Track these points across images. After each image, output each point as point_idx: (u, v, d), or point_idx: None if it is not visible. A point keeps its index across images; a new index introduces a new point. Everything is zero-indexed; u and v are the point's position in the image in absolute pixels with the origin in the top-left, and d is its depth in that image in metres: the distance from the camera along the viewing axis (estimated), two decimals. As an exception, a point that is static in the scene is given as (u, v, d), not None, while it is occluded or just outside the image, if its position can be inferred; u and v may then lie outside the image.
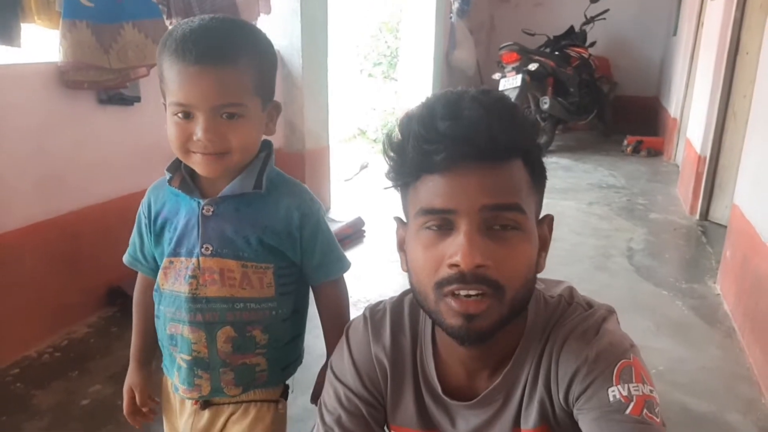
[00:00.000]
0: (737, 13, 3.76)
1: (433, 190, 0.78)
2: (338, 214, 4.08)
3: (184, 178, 1.05)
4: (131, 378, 1.21)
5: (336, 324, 1.10)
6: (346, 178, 5.11)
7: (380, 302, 1.01)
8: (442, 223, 0.78)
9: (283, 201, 1.06)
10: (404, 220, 0.89)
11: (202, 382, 1.09)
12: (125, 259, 1.18)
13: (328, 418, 0.95)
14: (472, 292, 0.77)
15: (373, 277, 3.14)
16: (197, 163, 0.98)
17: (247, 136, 0.99)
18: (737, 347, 2.52)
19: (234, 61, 0.94)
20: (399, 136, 0.82)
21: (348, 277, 1.17)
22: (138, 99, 2.74)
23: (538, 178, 0.83)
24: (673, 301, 3.00)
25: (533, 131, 0.83)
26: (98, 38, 2.40)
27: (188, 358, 1.08)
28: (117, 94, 2.63)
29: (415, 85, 6.41)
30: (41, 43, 2.46)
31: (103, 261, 2.64)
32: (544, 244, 0.85)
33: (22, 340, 2.36)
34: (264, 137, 1.07)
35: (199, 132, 0.94)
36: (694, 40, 5.52)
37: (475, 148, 0.74)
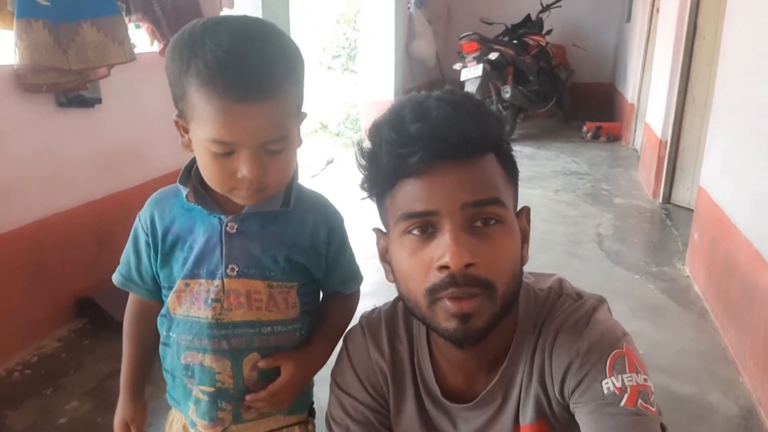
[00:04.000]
0: (693, 0, 3.85)
1: (411, 194, 0.77)
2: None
3: (197, 190, 0.95)
4: (126, 411, 1.09)
5: (334, 326, 1.05)
6: (312, 174, 5.04)
7: (374, 309, 1.00)
8: (425, 227, 0.77)
9: (310, 216, 0.99)
10: (383, 230, 0.88)
11: (225, 415, 1.01)
12: (116, 279, 1.06)
13: (336, 430, 0.94)
14: (464, 295, 0.76)
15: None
16: (240, 197, 0.90)
17: (290, 164, 0.92)
18: (711, 328, 2.59)
19: (279, 90, 0.83)
20: (370, 146, 0.81)
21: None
22: (99, 100, 2.63)
23: (510, 170, 0.83)
24: (645, 284, 3.07)
25: (501, 125, 0.84)
26: (56, 38, 2.29)
27: (210, 390, 0.99)
28: (77, 96, 2.51)
29: (376, 76, 6.37)
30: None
31: (70, 271, 2.54)
32: (525, 236, 0.85)
33: (-12, 358, 2.25)
34: None
35: (244, 170, 0.84)
36: (648, 26, 5.64)
37: (448, 146, 0.74)
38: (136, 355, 1.09)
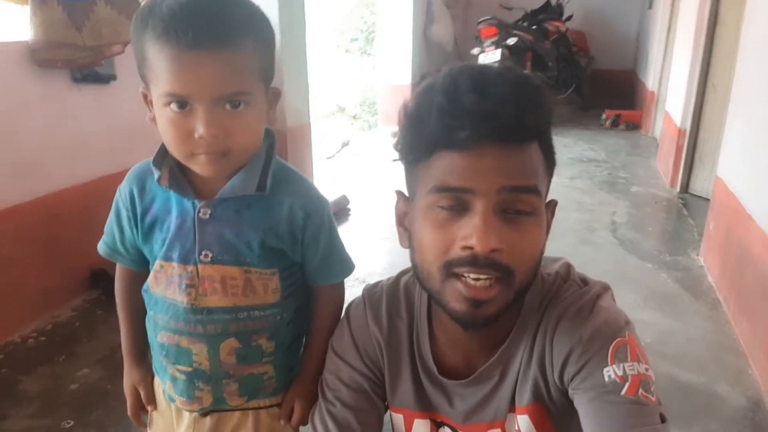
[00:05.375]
0: (716, -14, 3.77)
1: (449, 167, 0.74)
2: (322, 193, 4.03)
3: (173, 171, 0.91)
4: (132, 376, 1.10)
5: (325, 328, 1.03)
6: (328, 155, 5.05)
7: (377, 283, 0.99)
8: (456, 203, 0.75)
9: (287, 200, 0.95)
10: (406, 194, 0.85)
11: (203, 394, 1.00)
12: (101, 249, 1.03)
13: (329, 395, 0.94)
14: (482, 277, 0.74)
15: (360, 255, 3.09)
16: (200, 165, 0.85)
17: (255, 127, 0.88)
18: (723, 319, 2.56)
19: (237, 41, 0.79)
20: (415, 107, 0.77)
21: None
22: (113, 77, 2.66)
23: (550, 160, 0.80)
24: (658, 273, 3.04)
25: (551, 113, 0.79)
26: (70, 15, 2.31)
27: (188, 369, 0.98)
28: (92, 72, 2.55)
29: (393, 60, 6.33)
30: (11, 20, 2.36)
31: (84, 243, 2.53)
32: (547, 228, 0.83)
33: (4, 325, 2.30)
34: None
35: (200, 128, 0.80)
36: (670, 13, 5.54)
37: (500, 127, 0.71)
38: (130, 323, 1.09)
